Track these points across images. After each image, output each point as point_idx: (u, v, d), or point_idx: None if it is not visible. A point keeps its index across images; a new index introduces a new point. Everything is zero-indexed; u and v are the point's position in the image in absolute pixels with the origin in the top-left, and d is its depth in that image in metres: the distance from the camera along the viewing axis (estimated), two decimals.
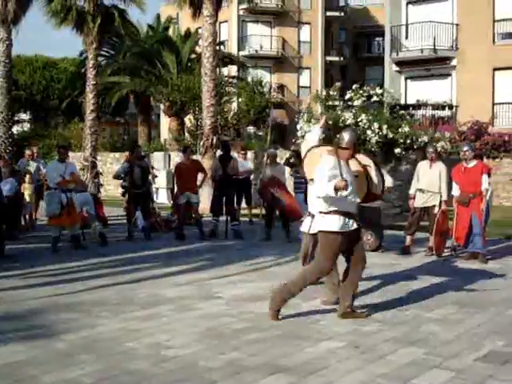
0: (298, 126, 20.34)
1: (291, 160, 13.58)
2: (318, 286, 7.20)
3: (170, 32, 36.85)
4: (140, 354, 5.39)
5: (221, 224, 13.45)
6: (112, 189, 26.58)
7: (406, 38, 29.42)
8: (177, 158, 22.97)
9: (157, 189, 21.99)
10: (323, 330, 6.14)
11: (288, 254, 10.92)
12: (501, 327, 6.25)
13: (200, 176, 13.87)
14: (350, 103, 19.90)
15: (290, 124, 37.23)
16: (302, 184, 13.15)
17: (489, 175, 10.61)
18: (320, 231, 6.47)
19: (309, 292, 7.76)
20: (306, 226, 7.51)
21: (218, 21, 20.52)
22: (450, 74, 28.44)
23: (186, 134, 30.58)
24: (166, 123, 37.08)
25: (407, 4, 29.73)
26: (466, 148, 10.66)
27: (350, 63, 46.56)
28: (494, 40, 27.00)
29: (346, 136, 6.57)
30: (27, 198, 14.25)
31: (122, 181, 13.81)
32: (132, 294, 7.69)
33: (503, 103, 26.57)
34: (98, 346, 5.61)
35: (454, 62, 28.02)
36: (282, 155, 19.76)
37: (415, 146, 18.95)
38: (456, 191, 10.59)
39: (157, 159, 24.27)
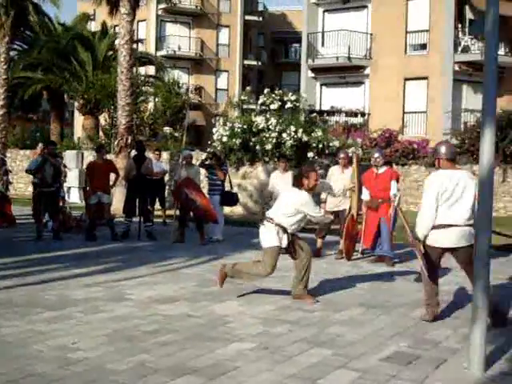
0: (215, 129, 20.48)
1: (207, 162, 13.60)
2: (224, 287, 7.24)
3: (87, 29, 36.15)
4: (47, 356, 5.26)
5: (134, 225, 13.30)
6: (22, 187, 25.84)
7: (323, 45, 30.00)
8: (90, 156, 22.55)
9: (69, 188, 21.53)
10: (233, 331, 6.18)
11: (201, 256, 10.94)
12: (405, 329, 6.47)
13: (113, 176, 13.67)
14: (265, 108, 20.18)
15: (207, 126, 37.28)
16: (216, 186, 13.21)
17: (397, 181, 10.96)
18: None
19: (219, 293, 7.82)
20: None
21: (135, 19, 20.30)
22: (363, 82, 29.20)
23: (101, 133, 30.05)
24: (80, 121, 36.33)
25: (324, 12, 30.34)
26: (377, 154, 10.96)
27: (267, 68, 47.04)
28: (405, 51, 27.91)
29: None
30: None
31: (32, 177, 13.42)
32: (40, 295, 7.50)
33: (413, 112, 27.51)
34: (3, 348, 5.45)
35: (367, 71, 28.79)
36: (198, 157, 19.76)
37: (327, 151, 19.42)
38: (366, 196, 10.89)
39: (69, 158, 23.73)
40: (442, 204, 6.47)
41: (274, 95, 20.27)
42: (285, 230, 7.48)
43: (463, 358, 5.39)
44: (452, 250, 6.67)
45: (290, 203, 7.50)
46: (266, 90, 20.65)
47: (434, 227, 6.52)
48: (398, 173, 11.47)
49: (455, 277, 9.73)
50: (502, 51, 25.60)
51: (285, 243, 7.50)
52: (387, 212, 10.55)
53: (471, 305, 5.28)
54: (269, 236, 7.47)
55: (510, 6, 25.78)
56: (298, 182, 7.64)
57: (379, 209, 10.64)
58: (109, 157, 17.81)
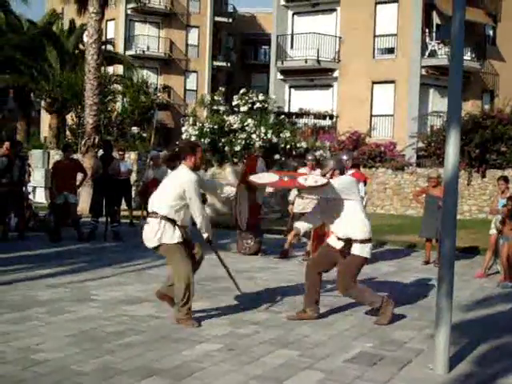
0: (183, 129, 20.42)
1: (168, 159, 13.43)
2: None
3: (55, 27, 35.75)
4: (9, 357, 5.19)
5: (100, 225, 13.19)
6: None
7: (292, 47, 30.10)
8: (56, 156, 22.28)
9: (34, 188, 21.25)
10: (199, 332, 6.16)
11: None
12: (370, 330, 6.52)
13: (79, 176, 13.54)
14: (236, 109, 20.18)
15: (175, 126, 37.11)
16: None
17: (365, 184, 11.02)
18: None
19: None
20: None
21: (104, 18, 20.14)
22: (331, 85, 29.37)
23: (68, 132, 29.74)
24: (46, 120, 35.89)
25: (293, 14, 30.45)
26: (345, 157, 10.98)
27: (236, 69, 47.03)
28: (373, 54, 28.14)
29: None
30: None
31: None
32: (2, 295, 7.39)
33: (380, 115, 27.74)
34: None
35: (336, 74, 28.96)
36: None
37: (294, 153, 19.50)
38: None
39: (36, 157, 23.42)
40: None
41: (247, 97, 20.28)
42: (174, 223, 6.36)
43: (428, 358, 5.45)
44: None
45: (172, 186, 6.41)
46: (241, 91, 20.63)
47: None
48: (365, 175, 11.54)
49: (417, 278, 9.86)
50: (467, 56, 25.96)
51: (177, 238, 6.36)
52: None
53: (435, 306, 5.33)
54: (154, 234, 6.35)
55: (476, 11, 26.21)
56: (180, 158, 6.54)
57: None
58: (76, 156, 17.64)
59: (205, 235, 6.60)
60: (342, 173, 7.06)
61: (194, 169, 6.50)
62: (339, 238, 6.77)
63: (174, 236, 6.35)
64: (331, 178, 6.88)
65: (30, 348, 5.46)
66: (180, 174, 6.44)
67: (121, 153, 15.47)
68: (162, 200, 6.40)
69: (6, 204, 12.43)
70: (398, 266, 11.10)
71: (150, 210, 6.50)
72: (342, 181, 6.81)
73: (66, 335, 5.88)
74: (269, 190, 11.71)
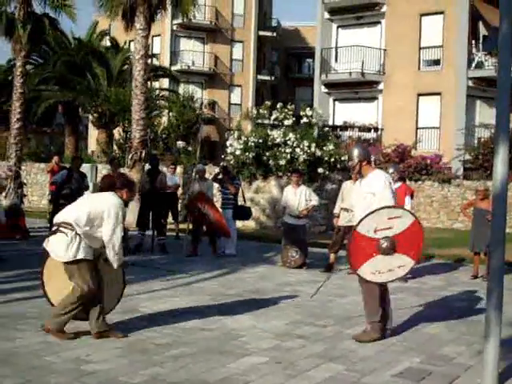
0: (228, 143, 20.55)
1: (219, 176, 13.64)
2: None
3: (102, 43, 36.49)
4: (59, 368, 5.29)
5: (147, 238, 13.34)
6: (36, 200, 25.99)
7: (336, 60, 30.09)
8: (104, 170, 22.66)
9: None
10: (245, 345, 6.18)
11: (213, 270, 10.95)
12: (418, 344, 6.44)
13: None
14: (277, 122, 20.20)
15: (220, 140, 37.40)
16: (229, 200, 13.25)
17: (412, 197, 10.93)
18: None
19: (232, 307, 7.83)
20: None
21: (150, 34, 20.45)
22: (376, 98, 29.23)
23: (115, 147, 30.23)
24: (94, 134, 36.57)
25: (338, 27, 30.45)
26: (391, 170, 10.93)
27: (280, 83, 47.19)
28: (419, 66, 27.93)
29: None
30: None
31: (57, 190, 13.49)
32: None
33: (426, 128, 27.48)
34: (17, 359, 5.48)
35: (380, 86, 28.82)
36: (211, 171, 19.82)
37: (338, 166, 19.41)
38: None
39: (84, 171, 23.84)
40: None
41: (286, 110, 20.31)
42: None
43: (476, 374, 5.37)
44: None
45: (93, 208, 6.22)
46: (278, 105, 20.69)
47: None
48: (412, 188, 11.44)
49: (466, 293, 9.72)
50: None
51: (84, 255, 6.18)
52: None
53: (484, 321, 5.26)
54: (64, 246, 6.15)
55: None
56: (112, 187, 6.44)
57: None
58: (121, 171, 17.90)
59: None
60: (369, 162, 6.74)
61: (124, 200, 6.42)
62: None
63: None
64: (360, 171, 6.72)
65: (79, 359, 5.56)
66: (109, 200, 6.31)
67: (172, 167, 15.67)
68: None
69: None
70: (446, 280, 10.95)
71: None
72: (386, 189, 6.58)
73: (115, 347, 5.97)
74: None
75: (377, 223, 6.36)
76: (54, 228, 6.31)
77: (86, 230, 6.15)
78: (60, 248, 6.17)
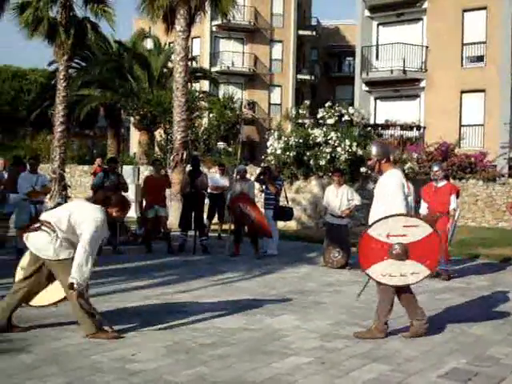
0: (269, 143, 20.56)
1: (261, 176, 13.64)
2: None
3: (143, 46, 36.88)
4: (105, 367, 5.36)
5: (189, 239, 13.43)
6: None
7: (377, 58, 29.86)
8: (146, 171, 22.91)
9: None
10: (289, 345, 6.17)
11: (255, 270, 10.97)
12: (464, 345, 6.35)
13: (168, 191, 13.90)
14: (321, 121, 20.14)
15: (260, 141, 37.44)
16: (271, 200, 13.25)
17: (457, 196, 10.78)
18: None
19: (275, 307, 7.83)
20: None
21: (190, 36, 20.60)
22: (418, 96, 28.91)
23: (156, 148, 30.52)
24: (135, 137, 36.97)
25: (378, 25, 30.22)
26: (436, 168, 10.80)
27: (320, 82, 47.02)
28: (462, 63, 27.53)
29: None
30: None
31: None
32: (98, 307, 7.61)
33: (470, 125, 27.08)
34: (63, 358, 5.57)
35: (422, 84, 28.50)
36: (252, 171, 19.86)
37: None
38: (424, 210, 10.72)
39: (126, 173, 24.15)
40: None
41: (333, 110, 20.22)
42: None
43: None
44: None
45: (76, 215, 6.22)
46: (326, 104, 20.61)
47: None
48: (457, 187, 11.28)
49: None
50: None
51: (66, 255, 6.26)
52: (445, 227, 10.37)
53: None
54: (46, 245, 6.22)
55: None
56: (106, 202, 6.44)
57: (437, 223, 10.46)
58: (163, 172, 18.04)
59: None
60: (388, 160, 6.60)
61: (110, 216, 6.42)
62: None
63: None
64: (379, 170, 6.60)
65: (125, 358, 5.62)
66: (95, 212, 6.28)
67: (221, 168, 15.78)
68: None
69: None
70: (492, 280, 10.76)
71: None
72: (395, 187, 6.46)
73: (160, 346, 6.02)
74: None
75: (390, 229, 6.31)
76: (37, 224, 6.35)
77: (65, 235, 6.21)
78: (41, 245, 6.22)
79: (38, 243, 6.25)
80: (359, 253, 6.50)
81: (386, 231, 6.31)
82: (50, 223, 6.24)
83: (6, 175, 15.02)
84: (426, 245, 6.30)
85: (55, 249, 6.20)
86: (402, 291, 6.58)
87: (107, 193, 6.85)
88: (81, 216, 6.21)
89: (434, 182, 10.74)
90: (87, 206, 6.41)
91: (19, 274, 6.55)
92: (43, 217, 6.46)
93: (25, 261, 6.54)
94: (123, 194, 12.88)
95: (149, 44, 37.13)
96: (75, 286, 6.05)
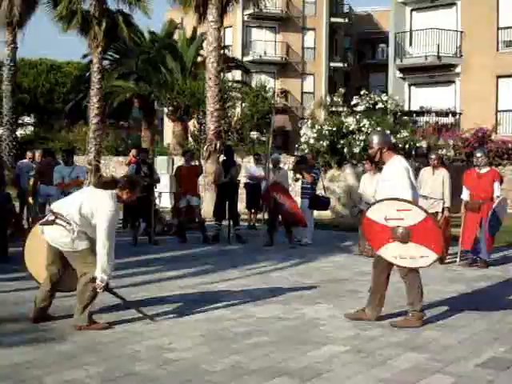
0: (302, 132, 20.48)
1: (299, 165, 13.51)
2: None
3: (175, 37, 37.00)
4: (143, 356, 5.42)
5: (223, 228, 13.47)
6: None
7: (410, 44, 29.48)
8: (180, 162, 23.00)
9: (160, 193, 22.02)
10: (325, 334, 6.17)
11: (290, 259, 10.96)
12: (501, 333, 6.27)
13: (201, 180, 13.93)
14: (354, 109, 19.99)
15: (293, 129, 37.33)
16: (307, 190, 13.19)
17: (501, 183, 10.58)
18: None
19: (310, 296, 7.82)
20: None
21: (222, 26, 20.59)
22: (453, 81, 28.49)
23: (190, 139, 30.64)
24: (169, 127, 37.16)
25: (412, 11, 29.81)
26: (479, 154, 10.60)
27: (353, 69, 46.65)
28: (497, 47, 27.03)
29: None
30: (31, 200, 14.30)
31: None
32: (134, 296, 7.71)
33: (506, 110, 26.59)
34: (102, 347, 5.65)
35: (458, 69, 28.07)
36: (285, 161, 19.81)
37: (413, 153, 19.00)
38: (465, 196, 10.56)
39: (160, 163, 24.28)
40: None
41: (368, 98, 20.06)
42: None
43: None
44: None
45: (86, 205, 6.22)
46: (362, 92, 20.46)
47: None
48: (500, 174, 11.06)
49: None
50: None
51: (84, 246, 6.30)
52: (488, 214, 10.20)
53: None
54: (63, 237, 6.27)
55: None
56: (114, 185, 6.42)
57: (480, 210, 10.30)
58: (197, 162, 18.09)
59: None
60: (390, 148, 6.53)
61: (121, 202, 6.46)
62: None
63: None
64: (380, 158, 6.53)
65: (162, 347, 5.68)
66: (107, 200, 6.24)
67: (256, 157, 15.78)
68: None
69: (137, 209, 12.81)
70: None
71: None
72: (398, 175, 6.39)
73: (196, 335, 6.07)
74: None
75: (386, 213, 6.30)
76: (51, 217, 6.34)
77: (80, 228, 6.20)
78: (58, 238, 6.24)
79: (55, 236, 6.27)
80: (367, 237, 6.58)
81: (384, 214, 6.32)
82: (63, 215, 6.23)
83: None
84: (423, 230, 6.24)
85: (73, 240, 6.21)
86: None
87: (115, 177, 6.78)
88: (92, 208, 6.17)
89: (477, 168, 10.54)
90: (97, 195, 6.30)
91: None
92: (55, 207, 6.42)
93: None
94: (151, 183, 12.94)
95: (181, 35, 37.19)
96: (98, 282, 6.11)
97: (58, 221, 6.23)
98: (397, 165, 6.46)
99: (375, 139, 6.59)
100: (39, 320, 6.42)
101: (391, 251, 6.36)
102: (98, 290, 6.21)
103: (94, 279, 6.14)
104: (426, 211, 6.47)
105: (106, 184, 6.50)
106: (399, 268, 6.49)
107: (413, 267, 6.40)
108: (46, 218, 6.48)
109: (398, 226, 6.27)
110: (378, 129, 18.29)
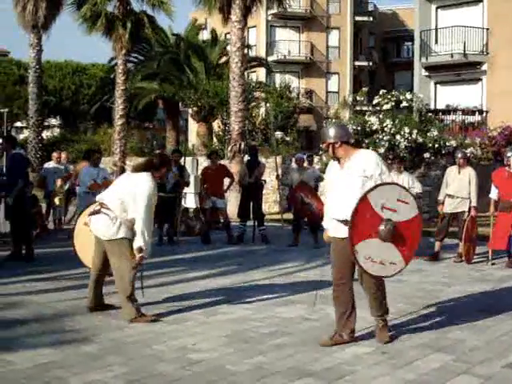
0: None
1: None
2: None
3: (199, 37, 37.11)
4: (167, 356, 5.42)
5: (248, 228, 13.46)
6: None
7: (436, 42, 29.21)
8: (205, 162, 23.01)
9: (185, 193, 22.07)
10: None
11: (315, 259, 10.90)
12: None
13: (227, 181, 13.93)
14: (378, 108, 19.84)
15: (318, 129, 37.20)
16: None
17: None
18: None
19: None
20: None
21: (246, 26, 20.59)
22: (480, 79, 28.17)
23: (214, 139, 30.68)
24: (194, 128, 37.25)
25: (437, 8, 29.54)
26: (510, 154, 10.46)
27: (378, 68, 46.39)
28: None
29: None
30: (57, 201, 14.42)
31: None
32: (159, 297, 7.73)
33: None
34: (126, 348, 5.66)
35: (484, 67, 27.75)
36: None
37: (443, 151, 18.83)
38: (494, 195, 10.42)
39: (186, 164, 24.32)
40: None
41: (389, 96, 19.90)
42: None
43: None
44: None
45: (126, 192, 6.50)
46: (381, 91, 20.32)
47: None
48: None
49: None
50: None
51: (123, 235, 6.52)
52: None
53: None
54: (105, 226, 6.53)
55: None
56: (152, 167, 6.63)
57: (510, 212, 10.13)
58: (222, 162, 18.10)
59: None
60: (347, 143, 5.78)
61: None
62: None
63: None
64: (333, 153, 5.78)
65: (186, 347, 5.68)
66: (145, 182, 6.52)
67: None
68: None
69: (164, 210, 12.73)
70: None
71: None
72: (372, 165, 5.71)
73: (220, 336, 6.06)
74: None
75: (386, 199, 5.64)
76: (96, 207, 6.61)
77: (122, 215, 6.43)
78: (102, 227, 6.50)
79: (100, 224, 6.52)
80: (352, 221, 5.58)
81: (383, 200, 5.62)
82: (106, 204, 6.50)
83: (71, 168, 15.40)
84: (406, 229, 5.72)
85: (117, 228, 6.43)
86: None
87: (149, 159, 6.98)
88: (131, 193, 6.41)
89: (507, 168, 10.39)
90: (135, 179, 6.55)
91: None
92: (100, 198, 6.70)
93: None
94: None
95: (205, 35, 37.31)
96: (143, 247, 6.32)
97: (102, 210, 6.50)
98: (374, 158, 5.79)
99: (330, 133, 5.83)
100: (96, 309, 6.81)
101: (368, 250, 5.68)
102: (140, 263, 6.44)
103: (139, 249, 6.32)
104: (419, 209, 5.97)
105: (142, 167, 6.66)
106: (364, 274, 5.92)
107: (378, 276, 5.88)
108: (93, 208, 6.75)
109: (388, 220, 5.64)
110: (406, 129, 18.15)
